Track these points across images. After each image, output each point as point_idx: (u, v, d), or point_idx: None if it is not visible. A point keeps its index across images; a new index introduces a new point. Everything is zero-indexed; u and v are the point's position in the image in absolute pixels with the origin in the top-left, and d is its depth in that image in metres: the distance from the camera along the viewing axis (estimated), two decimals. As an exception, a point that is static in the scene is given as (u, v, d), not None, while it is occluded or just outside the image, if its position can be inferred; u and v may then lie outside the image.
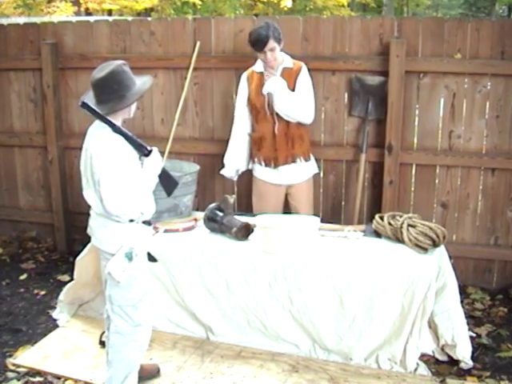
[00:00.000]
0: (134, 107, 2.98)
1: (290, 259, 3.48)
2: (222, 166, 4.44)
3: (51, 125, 5.21)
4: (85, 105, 2.84)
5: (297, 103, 4.07)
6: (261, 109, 4.18)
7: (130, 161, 2.88)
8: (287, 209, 4.38)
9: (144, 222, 3.03)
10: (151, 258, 3.21)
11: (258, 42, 3.98)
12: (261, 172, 4.34)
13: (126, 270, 2.90)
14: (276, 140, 4.18)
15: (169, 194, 3.20)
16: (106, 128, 2.85)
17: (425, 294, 3.31)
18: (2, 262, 5.25)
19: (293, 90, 4.09)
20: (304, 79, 4.14)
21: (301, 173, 4.30)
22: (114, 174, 2.77)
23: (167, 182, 3.13)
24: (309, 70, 4.17)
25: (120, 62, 2.89)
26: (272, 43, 3.96)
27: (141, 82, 2.95)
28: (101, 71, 2.83)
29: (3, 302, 4.45)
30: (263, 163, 4.30)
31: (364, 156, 4.50)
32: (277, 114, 4.12)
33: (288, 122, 4.14)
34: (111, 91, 2.82)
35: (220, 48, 4.76)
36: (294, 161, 4.23)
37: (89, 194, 2.94)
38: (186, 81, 4.73)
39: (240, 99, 4.31)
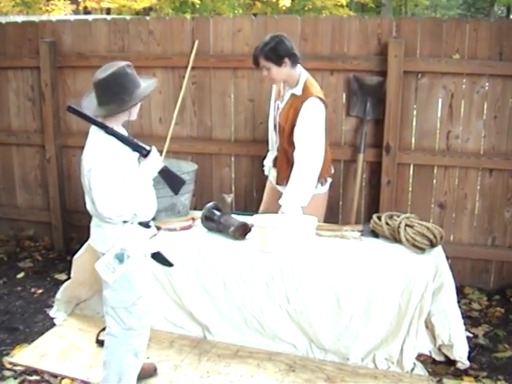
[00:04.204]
0: (136, 110, 2.92)
1: (288, 259, 3.48)
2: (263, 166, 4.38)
3: (49, 123, 5.20)
4: (70, 109, 2.84)
5: (306, 179, 3.73)
6: (273, 119, 4.07)
7: (124, 163, 2.82)
8: None
9: (142, 224, 2.98)
10: (167, 263, 3.20)
11: (253, 58, 3.78)
12: (271, 172, 4.23)
13: (115, 272, 2.86)
14: (277, 155, 4.05)
15: (176, 192, 3.19)
16: (100, 130, 2.83)
17: (422, 294, 3.31)
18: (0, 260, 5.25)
19: (293, 121, 3.76)
20: (304, 120, 3.72)
21: None
22: (104, 176, 2.73)
23: (173, 180, 3.12)
24: (319, 100, 3.76)
25: (124, 63, 2.84)
26: (263, 62, 3.70)
27: (145, 86, 2.90)
28: (103, 72, 2.79)
29: (0, 300, 4.45)
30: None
31: (362, 156, 4.50)
32: (280, 134, 3.94)
33: (289, 147, 3.84)
34: (112, 93, 2.77)
35: (218, 47, 4.75)
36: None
37: (86, 197, 2.91)
38: (184, 80, 4.73)
39: (272, 99, 4.15)
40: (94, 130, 2.87)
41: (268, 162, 4.27)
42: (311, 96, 3.74)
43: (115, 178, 2.75)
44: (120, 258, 2.86)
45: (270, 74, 3.75)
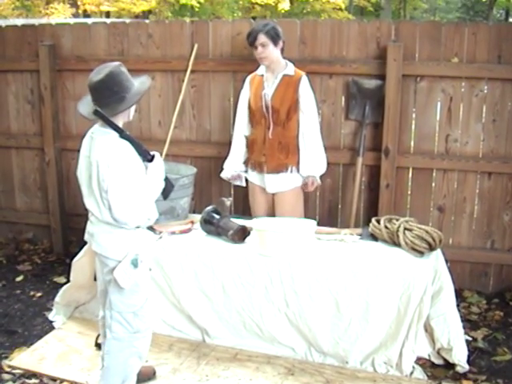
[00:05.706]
0: (133, 110, 2.93)
1: (287, 262, 3.48)
2: (222, 169, 4.44)
3: (48, 126, 5.20)
4: (98, 112, 2.74)
5: (318, 146, 4.16)
6: (256, 111, 4.17)
7: (138, 167, 2.82)
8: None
9: (148, 228, 2.98)
10: None
11: (249, 36, 4.03)
12: (251, 176, 4.35)
13: (131, 277, 2.85)
14: (266, 145, 4.16)
15: (165, 197, 3.16)
16: (109, 133, 2.78)
17: (421, 297, 3.31)
18: (-2, 263, 5.25)
19: (293, 98, 4.05)
20: (307, 92, 4.08)
21: (287, 182, 4.19)
22: (124, 181, 2.71)
23: (166, 185, 3.08)
24: (308, 77, 4.12)
25: (117, 63, 2.84)
26: (263, 38, 3.97)
27: (139, 83, 2.91)
28: (98, 74, 2.77)
29: (-1, 303, 4.45)
30: (252, 167, 4.31)
31: (361, 159, 4.50)
32: (273, 118, 4.10)
33: (285, 129, 4.12)
34: (111, 93, 2.76)
35: (217, 51, 4.76)
36: (283, 170, 4.16)
37: (91, 202, 2.86)
38: (183, 83, 4.74)
39: (241, 102, 4.30)
40: (100, 133, 2.82)
41: (238, 165, 4.39)
42: (303, 74, 4.11)
43: (133, 182, 2.75)
44: (135, 263, 2.85)
45: (264, 51, 4.01)
